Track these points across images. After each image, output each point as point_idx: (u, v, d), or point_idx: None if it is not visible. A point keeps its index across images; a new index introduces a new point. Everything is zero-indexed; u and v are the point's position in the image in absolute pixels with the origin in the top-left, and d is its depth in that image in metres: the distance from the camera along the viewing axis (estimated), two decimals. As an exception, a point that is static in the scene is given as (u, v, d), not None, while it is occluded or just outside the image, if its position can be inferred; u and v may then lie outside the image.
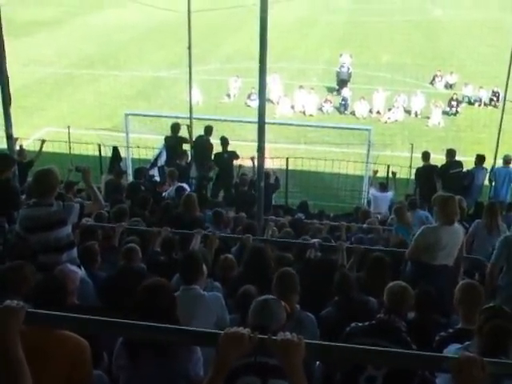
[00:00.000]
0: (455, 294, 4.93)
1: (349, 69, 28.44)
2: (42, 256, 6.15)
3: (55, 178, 6.30)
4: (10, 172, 8.73)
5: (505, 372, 3.10)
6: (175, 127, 14.90)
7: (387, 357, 3.28)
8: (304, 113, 26.02)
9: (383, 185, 14.14)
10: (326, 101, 26.44)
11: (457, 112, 25.94)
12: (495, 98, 26.50)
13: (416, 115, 25.71)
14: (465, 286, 4.97)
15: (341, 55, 30.16)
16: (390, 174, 14.50)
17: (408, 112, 25.88)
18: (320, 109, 26.27)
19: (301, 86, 26.79)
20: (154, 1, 38.53)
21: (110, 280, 6.40)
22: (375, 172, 14.99)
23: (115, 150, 15.55)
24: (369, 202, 14.78)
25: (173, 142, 14.92)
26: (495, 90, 26.35)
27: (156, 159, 15.81)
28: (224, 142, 14.57)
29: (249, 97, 26.38)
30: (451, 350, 3.93)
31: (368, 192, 15.31)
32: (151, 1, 37.87)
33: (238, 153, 14.56)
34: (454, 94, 26.75)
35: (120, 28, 40.45)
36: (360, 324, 4.67)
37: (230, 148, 14.62)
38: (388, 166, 15.04)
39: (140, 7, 40.86)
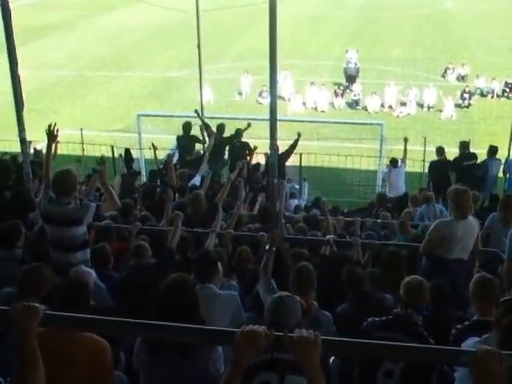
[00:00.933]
0: (470, 287, 4.91)
1: (356, 64, 28.20)
2: (57, 254, 6.23)
3: (74, 179, 6.40)
4: (13, 177, 8.76)
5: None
6: (186, 126, 14.93)
7: (405, 352, 3.29)
8: (316, 109, 25.98)
9: (394, 160, 14.20)
10: (336, 94, 26.35)
11: (469, 104, 25.77)
12: (508, 89, 26.32)
13: (428, 108, 25.59)
14: (479, 279, 4.95)
15: (347, 51, 29.83)
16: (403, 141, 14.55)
17: (420, 105, 25.77)
18: (332, 104, 26.22)
19: (312, 83, 26.75)
20: (163, 1, 38.61)
21: (123, 280, 6.43)
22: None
23: (127, 152, 15.62)
24: (384, 181, 14.85)
25: (185, 142, 14.95)
26: (508, 81, 26.16)
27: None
28: (237, 133, 14.63)
29: (260, 94, 26.35)
30: (469, 344, 3.91)
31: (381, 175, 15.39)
32: (161, 1, 37.92)
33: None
34: (466, 86, 26.60)
35: (130, 29, 40.55)
36: (377, 319, 4.69)
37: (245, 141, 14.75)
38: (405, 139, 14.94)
39: (150, 8, 41.03)
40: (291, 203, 13.37)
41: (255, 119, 15.97)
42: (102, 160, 8.42)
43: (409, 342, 4.31)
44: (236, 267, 6.85)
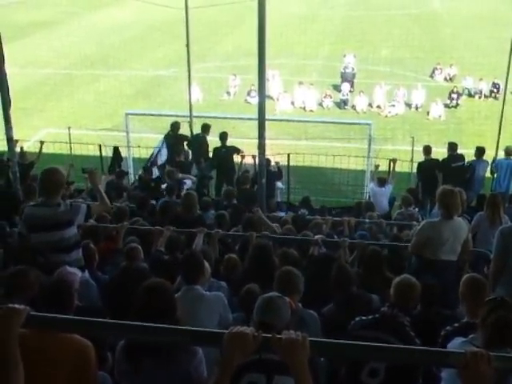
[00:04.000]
0: (460, 287, 4.92)
1: (353, 69, 28.25)
2: (49, 255, 6.15)
3: (61, 178, 6.32)
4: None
5: (512, 366, 3.08)
6: (175, 126, 14.87)
7: (393, 353, 3.27)
8: (304, 108, 26.00)
9: (381, 180, 14.04)
10: (325, 96, 26.41)
11: (457, 104, 25.90)
12: (495, 90, 26.43)
13: (416, 108, 25.67)
14: (469, 279, 4.95)
15: (344, 56, 29.72)
16: (391, 163, 14.33)
17: (408, 105, 25.84)
18: (320, 104, 26.25)
19: (300, 82, 26.77)
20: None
21: (114, 281, 6.40)
22: (377, 166, 14.93)
23: (116, 150, 15.55)
24: (369, 198, 14.73)
25: (173, 141, 14.89)
26: (495, 81, 26.29)
27: (156, 157, 15.68)
28: (222, 137, 14.52)
29: (249, 94, 26.34)
30: (456, 344, 3.92)
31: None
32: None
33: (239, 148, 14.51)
34: (454, 86, 26.70)
35: (119, 27, 40.40)
36: (364, 317, 4.72)
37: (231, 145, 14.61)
38: (389, 161, 14.95)
39: (138, 5, 40.83)
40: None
41: (243, 118, 15.94)
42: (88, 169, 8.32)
43: (393, 341, 4.36)
44: (224, 274, 6.84)
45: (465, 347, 3.13)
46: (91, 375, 3.72)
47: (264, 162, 9.24)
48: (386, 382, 4.30)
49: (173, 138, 14.88)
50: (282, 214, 13.47)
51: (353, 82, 27.72)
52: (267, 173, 11.69)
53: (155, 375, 3.85)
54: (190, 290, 5.24)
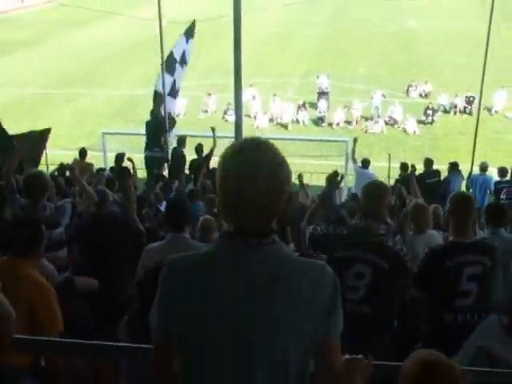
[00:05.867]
0: (447, 205, 4.84)
1: (327, 88, 28.31)
2: None
3: (46, 181, 6.28)
4: None
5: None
6: (154, 112, 14.88)
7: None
8: (282, 125, 26.10)
9: (366, 161, 14.18)
10: (299, 107, 26.57)
11: (433, 121, 26.14)
12: (469, 106, 26.65)
13: (392, 125, 25.87)
14: (456, 196, 4.92)
15: (318, 77, 29.88)
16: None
17: (385, 122, 26.03)
18: (297, 121, 26.36)
19: (274, 94, 26.93)
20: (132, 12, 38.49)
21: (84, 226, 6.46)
22: (356, 140, 14.82)
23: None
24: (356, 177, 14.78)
25: (153, 127, 14.86)
26: (468, 94, 26.54)
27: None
28: (198, 150, 14.62)
29: (226, 112, 26.39)
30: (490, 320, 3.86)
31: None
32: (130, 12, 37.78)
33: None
34: (430, 103, 26.97)
35: (96, 46, 40.37)
36: (338, 231, 4.53)
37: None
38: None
39: (117, 23, 40.82)
40: None
41: (219, 137, 15.95)
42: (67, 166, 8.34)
43: (371, 258, 4.38)
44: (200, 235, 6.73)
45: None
46: (48, 316, 3.87)
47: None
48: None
49: (153, 124, 14.88)
50: None
51: (328, 101, 27.87)
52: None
53: None
54: (177, 238, 5.17)
